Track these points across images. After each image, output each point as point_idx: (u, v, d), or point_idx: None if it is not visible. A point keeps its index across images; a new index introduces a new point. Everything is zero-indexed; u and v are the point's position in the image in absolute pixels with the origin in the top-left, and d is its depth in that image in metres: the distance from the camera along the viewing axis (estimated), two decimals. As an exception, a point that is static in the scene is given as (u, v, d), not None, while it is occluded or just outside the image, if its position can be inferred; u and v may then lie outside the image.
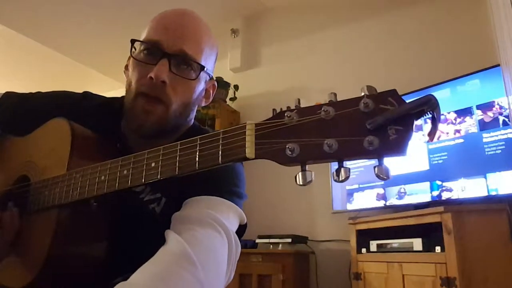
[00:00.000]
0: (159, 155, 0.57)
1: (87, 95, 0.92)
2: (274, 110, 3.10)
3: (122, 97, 0.84)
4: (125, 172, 0.60)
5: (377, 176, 0.43)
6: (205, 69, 0.78)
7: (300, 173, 0.46)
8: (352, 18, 2.94)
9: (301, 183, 0.46)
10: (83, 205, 0.68)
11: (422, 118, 0.42)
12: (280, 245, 2.50)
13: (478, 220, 1.72)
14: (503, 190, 1.80)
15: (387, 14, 2.79)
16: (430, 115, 0.42)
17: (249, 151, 0.48)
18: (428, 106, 0.41)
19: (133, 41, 0.77)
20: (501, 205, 1.75)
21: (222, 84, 3.06)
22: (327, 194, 2.56)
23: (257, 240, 2.56)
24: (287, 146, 0.45)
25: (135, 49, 0.77)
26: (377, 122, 0.42)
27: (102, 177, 0.63)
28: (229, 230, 0.68)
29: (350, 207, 2.43)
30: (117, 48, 3.58)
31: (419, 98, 0.41)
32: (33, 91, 0.95)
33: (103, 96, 0.92)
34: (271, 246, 2.54)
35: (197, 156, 0.53)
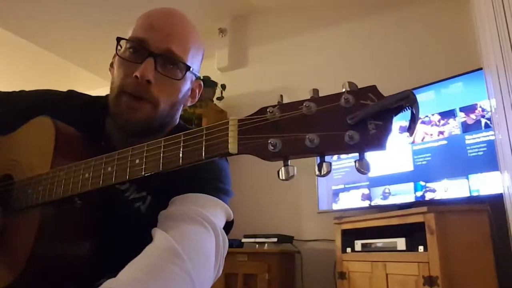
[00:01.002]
0: (143, 151, 0.57)
1: (71, 93, 0.91)
2: (261, 110, 3.11)
3: (107, 95, 0.84)
4: (109, 169, 0.60)
5: (358, 170, 0.44)
6: (191, 69, 0.78)
7: (282, 168, 0.47)
8: (339, 19, 2.96)
9: (283, 178, 0.47)
10: (67, 204, 0.67)
11: (401, 113, 0.43)
12: (266, 244, 2.51)
13: (460, 220, 1.75)
14: (485, 191, 1.84)
15: (373, 17, 2.82)
16: (408, 111, 0.42)
17: (232, 146, 0.49)
18: (406, 101, 0.42)
19: (118, 39, 0.76)
20: (483, 206, 1.79)
21: (209, 84, 3.05)
22: (313, 194, 2.58)
23: (243, 240, 2.56)
24: (269, 141, 0.46)
25: (121, 47, 0.76)
26: (357, 117, 0.43)
27: (86, 175, 0.62)
28: (216, 225, 0.68)
29: (335, 207, 2.45)
30: (104, 46, 3.54)
31: (397, 93, 0.42)
32: (18, 89, 0.94)
33: (87, 95, 0.91)
34: (257, 245, 2.54)
35: (181, 152, 0.53)
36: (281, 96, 0.49)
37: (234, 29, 3.40)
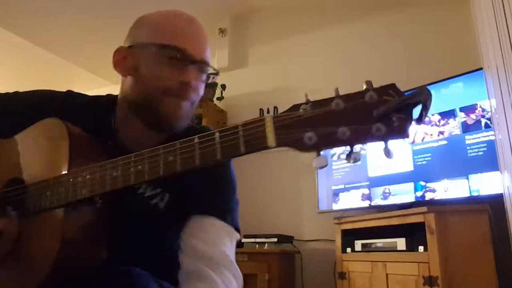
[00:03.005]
0: (177, 149, 0.59)
1: (71, 94, 0.91)
2: (261, 110, 3.11)
3: (108, 95, 0.86)
4: (139, 167, 0.61)
5: (385, 155, 0.50)
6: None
7: (316, 159, 0.52)
8: (339, 19, 2.96)
9: (317, 166, 0.52)
10: (88, 204, 0.68)
11: (418, 106, 0.49)
12: (266, 244, 2.51)
13: (460, 221, 1.75)
14: (485, 191, 1.84)
15: (373, 17, 2.82)
16: (422, 104, 0.49)
17: (270, 140, 0.52)
18: (423, 96, 0.48)
19: (162, 46, 0.77)
20: (483, 206, 1.78)
21: (209, 84, 3.04)
22: (313, 194, 2.58)
23: (243, 240, 2.56)
24: (305, 135, 0.51)
25: (153, 49, 0.78)
26: (382, 111, 0.49)
27: (114, 174, 0.63)
28: (239, 274, 0.79)
29: (335, 207, 2.45)
30: (104, 46, 3.53)
31: (415, 90, 0.49)
32: (15, 88, 0.93)
33: (87, 95, 0.91)
34: (257, 245, 2.54)
35: (218, 147, 0.56)
36: (306, 94, 0.54)
37: (234, 29, 3.40)
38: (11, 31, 3.41)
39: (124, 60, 0.81)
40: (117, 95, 0.87)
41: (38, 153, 0.75)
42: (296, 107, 0.53)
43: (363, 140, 0.50)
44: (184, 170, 0.58)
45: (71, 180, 0.66)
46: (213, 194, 0.82)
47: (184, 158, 0.58)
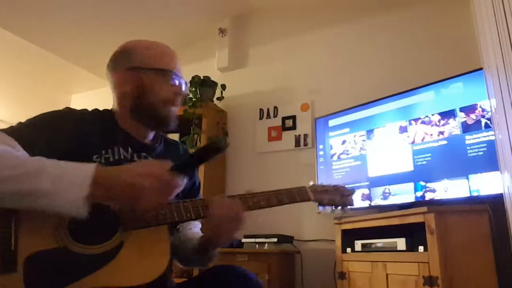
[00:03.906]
0: (266, 196, 1.10)
1: (72, 110, 1.02)
2: (261, 110, 3.12)
3: (96, 109, 1.05)
4: (255, 199, 1.11)
5: (344, 211, 1.24)
6: None
7: (326, 208, 1.20)
8: (339, 19, 2.97)
9: (322, 212, 1.01)
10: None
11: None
12: (266, 244, 2.51)
13: (460, 221, 1.75)
14: (485, 191, 1.84)
15: (373, 17, 2.83)
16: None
17: (312, 196, 1.16)
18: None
19: (160, 70, 1.03)
20: (483, 206, 1.79)
21: (209, 84, 3.05)
22: (313, 194, 2.57)
23: (243, 240, 2.56)
24: (323, 197, 1.17)
25: (152, 72, 1.02)
26: (347, 193, 1.22)
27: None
28: None
29: (335, 207, 2.44)
30: (104, 47, 3.53)
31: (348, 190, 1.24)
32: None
33: (85, 109, 1.05)
34: (257, 245, 2.54)
35: (286, 198, 1.14)
36: (312, 182, 1.23)
37: (234, 29, 3.40)
38: (11, 31, 3.40)
39: (125, 80, 1.02)
40: (107, 109, 1.07)
41: None
42: (314, 185, 1.19)
43: (343, 203, 1.20)
44: (267, 207, 1.12)
45: (173, 206, 0.94)
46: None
47: (271, 202, 1.12)
